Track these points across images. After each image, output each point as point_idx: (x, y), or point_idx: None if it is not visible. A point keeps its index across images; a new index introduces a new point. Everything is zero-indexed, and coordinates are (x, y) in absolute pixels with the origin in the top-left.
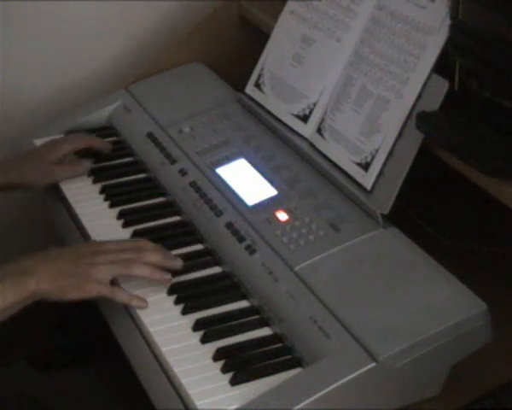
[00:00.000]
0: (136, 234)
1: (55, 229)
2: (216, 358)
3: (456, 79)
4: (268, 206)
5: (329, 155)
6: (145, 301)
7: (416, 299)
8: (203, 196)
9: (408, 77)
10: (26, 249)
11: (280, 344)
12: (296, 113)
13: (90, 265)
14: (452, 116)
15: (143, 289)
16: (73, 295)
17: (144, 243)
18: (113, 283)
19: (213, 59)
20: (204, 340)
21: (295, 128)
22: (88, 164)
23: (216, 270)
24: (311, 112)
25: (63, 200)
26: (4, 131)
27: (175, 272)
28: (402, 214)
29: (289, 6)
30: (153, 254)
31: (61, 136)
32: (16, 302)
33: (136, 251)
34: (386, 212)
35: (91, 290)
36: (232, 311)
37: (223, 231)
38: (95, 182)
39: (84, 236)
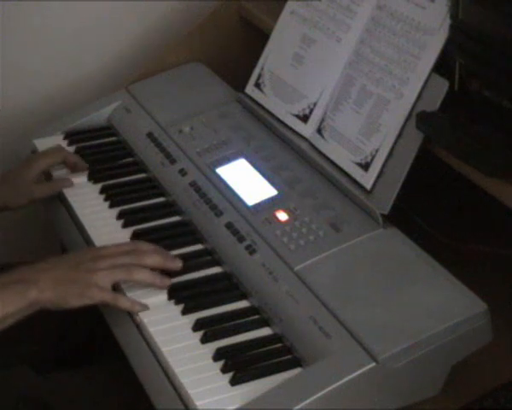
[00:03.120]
0: (136, 234)
1: (55, 229)
2: (216, 358)
3: (456, 78)
4: (268, 206)
5: (329, 155)
6: (147, 307)
7: (416, 299)
8: (203, 196)
9: (408, 77)
10: (26, 249)
11: (280, 344)
12: (296, 113)
13: (90, 271)
14: (452, 116)
15: (143, 290)
16: (75, 302)
17: (143, 245)
18: (115, 288)
19: (213, 59)
20: (204, 340)
21: (295, 128)
22: (66, 181)
23: (216, 270)
24: (311, 112)
25: (63, 200)
26: (4, 131)
27: (175, 273)
28: (402, 214)
29: (289, 6)
30: (152, 256)
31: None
32: (17, 311)
33: (136, 254)
34: (386, 212)
35: (93, 297)
36: (232, 311)
37: (223, 231)
38: (95, 182)
39: (84, 236)
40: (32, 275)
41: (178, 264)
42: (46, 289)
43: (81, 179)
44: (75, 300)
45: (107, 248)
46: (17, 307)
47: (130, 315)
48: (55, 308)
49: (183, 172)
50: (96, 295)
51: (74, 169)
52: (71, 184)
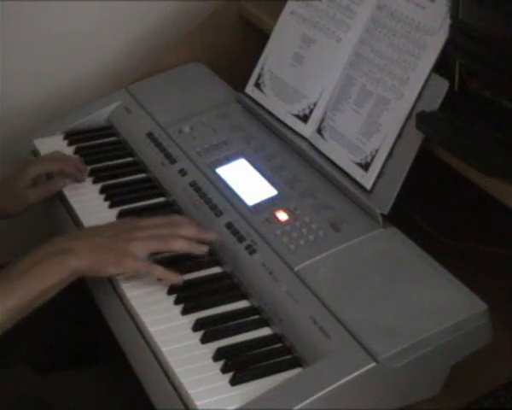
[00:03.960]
0: None
1: (55, 229)
2: (216, 358)
3: (456, 79)
4: (268, 206)
5: (329, 155)
6: (182, 279)
7: (416, 299)
8: (203, 196)
9: (408, 77)
10: (26, 250)
11: (280, 344)
12: (296, 113)
13: (127, 240)
14: (452, 116)
15: (143, 290)
16: (112, 269)
17: (179, 217)
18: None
19: (213, 59)
20: (204, 340)
21: (295, 128)
22: (61, 182)
23: (216, 270)
24: (311, 112)
25: (63, 200)
26: (4, 131)
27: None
28: (402, 214)
29: (289, 6)
30: (187, 227)
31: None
32: (59, 282)
33: (172, 226)
34: (386, 212)
35: (129, 265)
36: (232, 311)
37: (223, 231)
38: (95, 182)
39: None
40: (69, 244)
41: (213, 235)
42: (85, 257)
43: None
44: (111, 268)
45: (144, 220)
46: (59, 278)
47: (130, 314)
48: (93, 275)
49: (183, 172)
50: (132, 265)
51: (73, 178)
52: (65, 184)
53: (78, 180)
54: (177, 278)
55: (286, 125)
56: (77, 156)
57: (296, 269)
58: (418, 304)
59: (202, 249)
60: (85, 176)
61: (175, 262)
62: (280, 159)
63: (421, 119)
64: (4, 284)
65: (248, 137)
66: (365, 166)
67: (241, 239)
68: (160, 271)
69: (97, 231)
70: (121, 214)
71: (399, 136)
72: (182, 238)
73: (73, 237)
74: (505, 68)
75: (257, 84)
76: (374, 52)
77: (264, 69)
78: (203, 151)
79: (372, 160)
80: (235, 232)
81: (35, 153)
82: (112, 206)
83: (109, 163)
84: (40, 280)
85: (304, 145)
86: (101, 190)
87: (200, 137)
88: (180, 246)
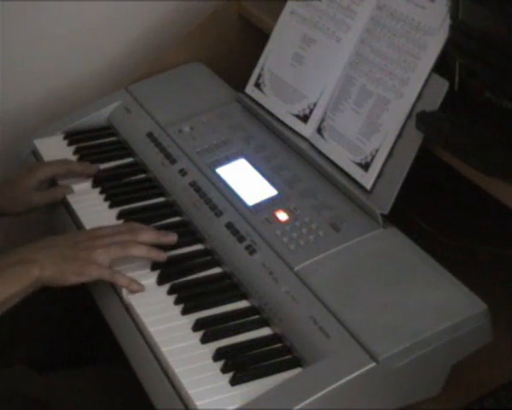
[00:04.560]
0: None
1: (55, 229)
2: (216, 358)
3: (456, 79)
4: (268, 206)
5: (329, 155)
6: (143, 287)
7: (416, 299)
8: (203, 196)
9: (408, 77)
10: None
11: (280, 344)
12: (296, 113)
13: (89, 249)
14: (452, 116)
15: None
16: (75, 279)
17: (137, 224)
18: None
19: (213, 59)
20: (204, 340)
21: (295, 128)
22: (66, 189)
23: (216, 270)
24: (311, 112)
25: (63, 200)
26: (4, 131)
27: (176, 273)
28: (402, 214)
29: (289, 6)
30: (147, 233)
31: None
32: (20, 291)
33: (131, 232)
34: (386, 212)
35: (92, 273)
36: (232, 311)
37: (223, 231)
38: (95, 182)
39: None
40: (32, 254)
41: (173, 238)
42: (47, 266)
43: (81, 180)
44: (74, 277)
45: (103, 229)
46: (21, 287)
47: (130, 314)
48: (55, 285)
49: (183, 172)
50: (95, 273)
51: (81, 176)
52: (71, 191)
53: (86, 174)
54: (140, 287)
55: (286, 125)
56: (87, 162)
57: (296, 269)
58: (418, 304)
59: (161, 256)
60: (94, 172)
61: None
62: (280, 159)
63: (421, 119)
64: None
65: (248, 137)
66: (365, 166)
67: (241, 239)
68: (123, 280)
69: (58, 241)
70: (121, 215)
71: (399, 136)
72: (141, 244)
73: (36, 247)
74: (505, 68)
75: (257, 84)
76: (374, 52)
77: (264, 69)
78: (203, 151)
79: (372, 160)
80: (235, 232)
81: (35, 153)
82: (112, 206)
83: (109, 163)
84: (2, 289)
85: (304, 145)
86: (102, 191)
87: (200, 137)
88: (140, 252)
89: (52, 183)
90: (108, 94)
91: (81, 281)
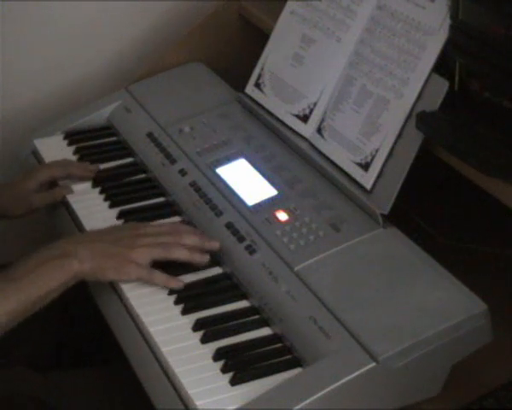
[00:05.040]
0: None
1: (55, 229)
2: (216, 358)
3: (456, 79)
4: (268, 206)
5: (329, 155)
6: (182, 283)
7: (416, 299)
8: (203, 196)
9: (408, 77)
10: (26, 250)
11: (280, 344)
12: (296, 113)
13: (129, 247)
14: (452, 116)
15: (143, 290)
16: (112, 275)
17: (182, 226)
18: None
19: (213, 59)
20: (204, 340)
21: (295, 128)
22: (66, 189)
23: (216, 270)
24: (311, 112)
25: (63, 200)
26: (4, 131)
27: (176, 273)
28: (402, 214)
29: (289, 6)
30: (190, 236)
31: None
32: (60, 285)
33: (174, 234)
34: (386, 212)
35: (130, 272)
36: (232, 311)
37: (223, 231)
38: (95, 182)
39: None
40: (71, 247)
41: (215, 243)
42: (87, 261)
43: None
44: (112, 273)
45: (147, 227)
46: (60, 282)
47: (130, 314)
48: (93, 280)
49: (183, 172)
50: (133, 272)
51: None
52: (71, 192)
53: (86, 177)
54: (179, 284)
55: (286, 125)
56: (87, 163)
57: (296, 269)
58: (418, 304)
59: (203, 259)
60: (94, 174)
61: (174, 262)
62: (280, 159)
63: (421, 119)
64: (6, 285)
65: (248, 137)
66: (365, 166)
67: (241, 239)
68: (162, 278)
69: (100, 235)
70: (121, 214)
71: (399, 136)
72: (184, 247)
73: (76, 240)
74: (505, 68)
75: (257, 84)
76: (374, 52)
77: (264, 69)
78: (203, 151)
79: (372, 160)
80: (235, 232)
81: (35, 153)
82: (112, 206)
83: (109, 163)
84: (42, 283)
85: (304, 145)
86: (102, 191)
87: (200, 137)
88: (182, 255)
89: (52, 183)
90: (108, 94)
91: (120, 279)
